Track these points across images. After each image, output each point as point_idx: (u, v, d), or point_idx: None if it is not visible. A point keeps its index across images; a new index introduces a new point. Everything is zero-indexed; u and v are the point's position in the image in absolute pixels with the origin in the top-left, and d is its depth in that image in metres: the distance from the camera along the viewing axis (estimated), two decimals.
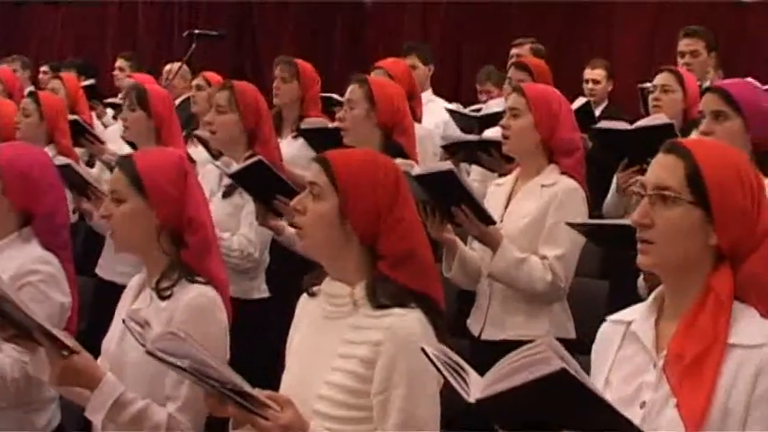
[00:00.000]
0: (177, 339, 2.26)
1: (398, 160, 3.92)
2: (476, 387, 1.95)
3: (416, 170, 3.74)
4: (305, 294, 2.68)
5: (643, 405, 2.14)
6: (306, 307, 2.66)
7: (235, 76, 7.78)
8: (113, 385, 2.70)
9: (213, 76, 6.43)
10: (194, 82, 6.40)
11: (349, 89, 4.36)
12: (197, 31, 7.02)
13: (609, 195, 4.86)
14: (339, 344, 2.46)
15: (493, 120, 5.72)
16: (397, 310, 2.42)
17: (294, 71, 5.66)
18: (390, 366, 2.38)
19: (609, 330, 2.36)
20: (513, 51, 6.68)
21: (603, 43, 8.17)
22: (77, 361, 2.67)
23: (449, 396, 2.40)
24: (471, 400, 1.92)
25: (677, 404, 2.10)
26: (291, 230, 4.07)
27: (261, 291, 4.46)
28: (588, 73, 7.17)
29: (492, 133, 5.22)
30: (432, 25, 9.26)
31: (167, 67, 7.98)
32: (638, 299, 3.84)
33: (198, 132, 5.63)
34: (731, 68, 6.44)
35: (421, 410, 2.41)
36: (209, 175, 4.52)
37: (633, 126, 4.72)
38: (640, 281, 3.75)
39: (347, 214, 2.45)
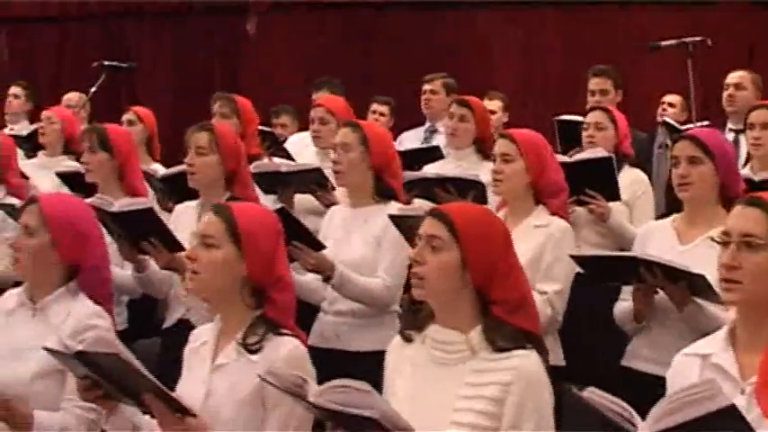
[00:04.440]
0: (357, 391, 2.34)
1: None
2: (641, 422, 2.20)
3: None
4: (398, 339, 2.85)
5: None
6: (402, 353, 2.81)
7: (114, 108, 7.81)
8: None
9: (143, 110, 6.41)
10: (125, 117, 6.36)
11: (341, 132, 4.40)
12: (106, 63, 6.96)
13: None
14: (460, 387, 2.65)
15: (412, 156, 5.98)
16: (519, 352, 2.65)
17: (234, 107, 5.71)
18: (520, 403, 2.62)
19: (684, 362, 2.70)
20: (426, 87, 6.90)
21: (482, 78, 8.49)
22: (192, 423, 2.72)
23: None
24: None
25: None
26: (156, 269, 4.29)
27: None
28: (485, 104, 7.42)
29: (434, 169, 5.49)
30: (311, 56, 9.39)
31: (68, 96, 7.86)
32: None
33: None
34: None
35: None
36: (187, 215, 4.51)
37: (574, 159, 5.06)
38: (621, 310, 4.02)
39: (467, 265, 2.67)
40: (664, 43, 6.15)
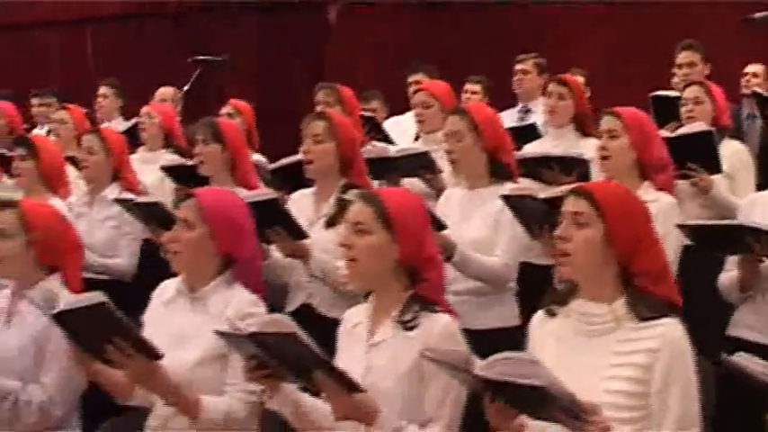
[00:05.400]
0: (524, 362, 2.49)
1: None
2: None
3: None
4: (541, 314, 3.01)
5: None
6: (545, 327, 2.98)
7: (201, 102, 7.96)
8: (389, 421, 2.92)
9: (241, 103, 6.57)
10: (224, 110, 6.52)
11: (450, 121, 4.53)
12: (200, 57, 7.13)
13: None
14: (609, 356, 2.80)
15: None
16: (663, 320, 2.80)
17: (337, 96, 5.89)
18: (668, 369, 2.76)
19: None
20: (518, 67, 7.03)
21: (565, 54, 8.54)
22: (362, 399, 2.88)
23: None
24: None
25: None
26: (278, 257, 4.41)
27: None
28: None
29: (533, 148, 5.61)
30: (396, 42, 9.51)
31: (161, 90, 8.05)
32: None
33: None
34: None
35: (695, 404, 2.79)
36: (303, 203, 4.65)
37: (675, 134, 5.16)
38: (726, 280, 4.15)
39: (611, 239, 2.82)
40: (758, 15, 6.19)
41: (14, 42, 11.69)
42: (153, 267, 5.48)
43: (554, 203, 3.96)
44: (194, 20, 10.50)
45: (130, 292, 3.85)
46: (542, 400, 2.47)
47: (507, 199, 4.27)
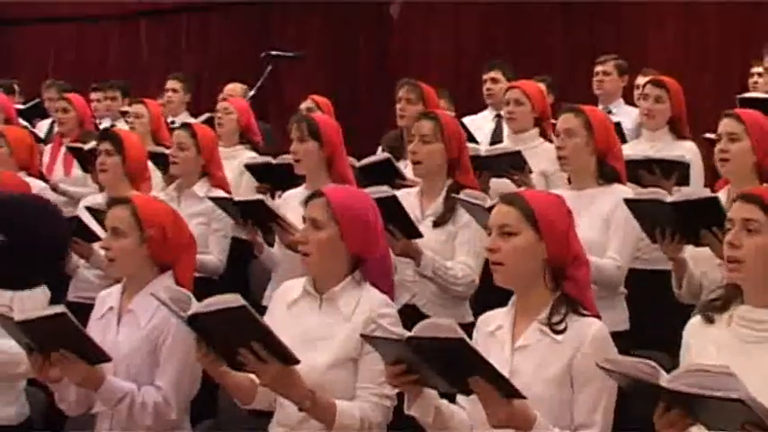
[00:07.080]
0: (717, 374, 2.36)
1: None
2: None
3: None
4: (698, 320, 2.91)
5: None
6: (704, 334, 2.87)
7: (260, 96, 7.89)
8: (543, 426, 2.81)
9: (321, 98, 6.49)
10: (303, 105, 6.45)
11: (564, 118, 4.46)
12: (273, 53, 7.05)
13: None
14: None
15: None
16: None
17: (419, 93, 5.83)
18: None
19: None
20: (598, 69, 6.94)
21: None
22: (519, 406, 2.76)
23: None
24: None
25: None
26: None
27: (469, 315, 4.49)
28: (640, 80, 7.34)
29: (628, 150, 5.48)
30: (460, 37, 9.43)
31: (230, 86, 7.98)
32: None
33: None
34: None
35: None
36: (408, 202, 4.50)
37: None
38: None
39: None
40: None
41: (69, 36, 11.67)
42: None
43: (681, 208, 3.89)
44: (255, 14, 10.43)
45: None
46: (735, 412, 2.35)
47: (630, 203, 4.17)
